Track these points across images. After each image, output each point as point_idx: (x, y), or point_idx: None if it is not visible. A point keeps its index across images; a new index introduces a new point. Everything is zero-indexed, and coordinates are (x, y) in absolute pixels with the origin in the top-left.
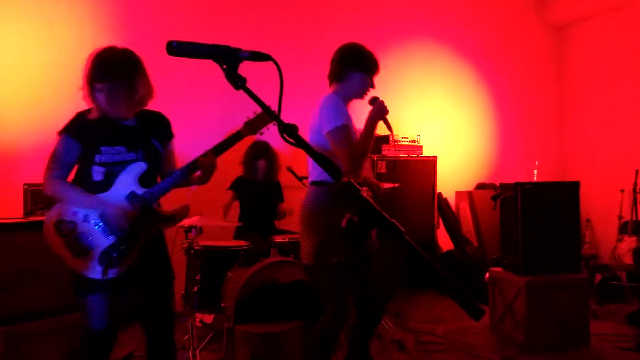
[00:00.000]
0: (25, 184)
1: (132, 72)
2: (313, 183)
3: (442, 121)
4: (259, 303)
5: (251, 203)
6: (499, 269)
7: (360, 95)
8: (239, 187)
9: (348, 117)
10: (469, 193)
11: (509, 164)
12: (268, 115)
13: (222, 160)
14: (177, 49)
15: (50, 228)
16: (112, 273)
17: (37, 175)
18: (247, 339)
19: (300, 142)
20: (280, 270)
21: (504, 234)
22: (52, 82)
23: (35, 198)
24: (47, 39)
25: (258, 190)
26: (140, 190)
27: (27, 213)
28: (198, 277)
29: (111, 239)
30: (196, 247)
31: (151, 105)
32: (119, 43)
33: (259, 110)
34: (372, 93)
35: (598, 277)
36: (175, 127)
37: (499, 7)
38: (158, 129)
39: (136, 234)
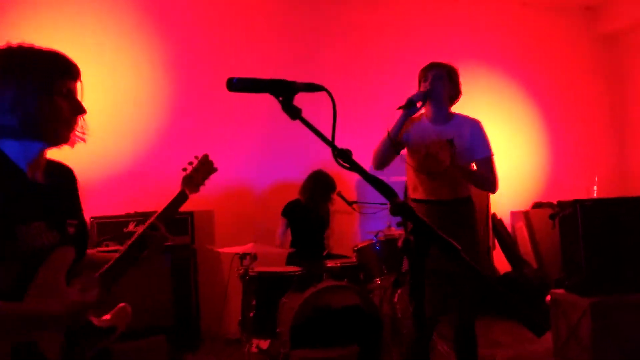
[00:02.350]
0: (91, 217)
1: None
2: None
3: (492, 140)
4: (314, 328)
5: (303, 229)
6: (561, 290)
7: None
8: (291, 213)
9: None
10: (525, 213)
11: (566, 181)
12: (324, 141)
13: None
14: (237, 84)
15: None
16: None
17: (103, 209)
18: None
19: (354, 166)
20: (333, 294)
21: (565, 254)
22: (113, 122)
23: (102, 230)
24: (109, 83)
25: (310, 216)
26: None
27: (94, 245)
28: (254, 303)
29: None
30: (251, 274)
31: (213, 141)
32: (176, 83)
33: (193, 159)
34: None
35: None
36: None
37: (546, 20)
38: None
39: None
